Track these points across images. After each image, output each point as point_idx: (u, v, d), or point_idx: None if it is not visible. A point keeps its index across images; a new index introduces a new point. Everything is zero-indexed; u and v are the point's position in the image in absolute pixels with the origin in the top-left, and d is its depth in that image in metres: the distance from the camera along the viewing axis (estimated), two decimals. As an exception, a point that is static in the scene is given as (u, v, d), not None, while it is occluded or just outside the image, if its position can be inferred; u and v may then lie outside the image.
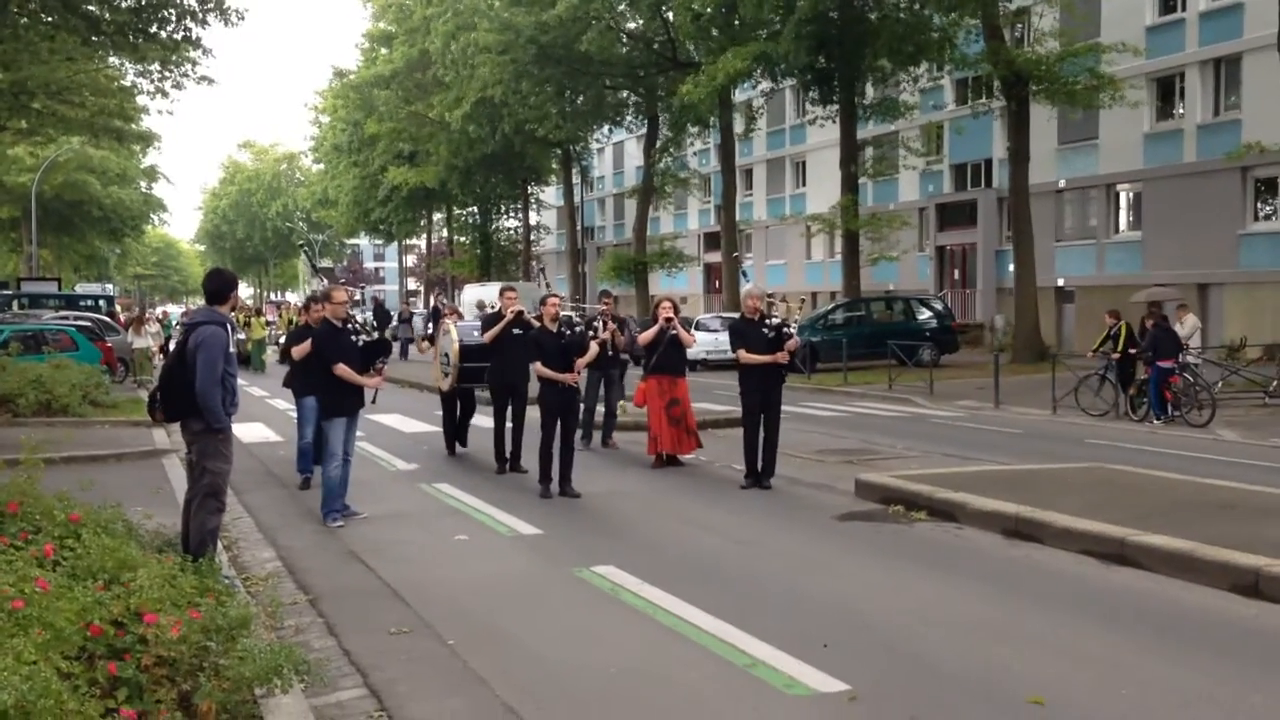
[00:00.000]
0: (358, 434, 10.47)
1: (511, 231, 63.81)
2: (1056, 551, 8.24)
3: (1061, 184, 35.51)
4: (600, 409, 14.83)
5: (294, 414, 12.62)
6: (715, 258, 49.78)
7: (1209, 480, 10.54)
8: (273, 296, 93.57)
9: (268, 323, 36.49)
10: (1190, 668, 5.68)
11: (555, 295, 11.94)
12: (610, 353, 14.51)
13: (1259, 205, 30.07)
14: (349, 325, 10.06)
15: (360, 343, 10.00)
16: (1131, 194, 34.13)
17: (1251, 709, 5.11)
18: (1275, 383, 19.37)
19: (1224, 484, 10.28)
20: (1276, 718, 5.00)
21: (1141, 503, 9.20)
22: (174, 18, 21.14)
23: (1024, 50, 30.96)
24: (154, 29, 21.20)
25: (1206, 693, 5.32)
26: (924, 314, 31.73)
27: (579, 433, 14.49)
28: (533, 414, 11.81)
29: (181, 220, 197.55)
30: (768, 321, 11.62)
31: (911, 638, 6.24)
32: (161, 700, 4.52)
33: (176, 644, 4.72)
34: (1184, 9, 31.67)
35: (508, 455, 12.70)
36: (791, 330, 11.73)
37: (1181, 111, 32.14)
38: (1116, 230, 34.68)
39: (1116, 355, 18.69)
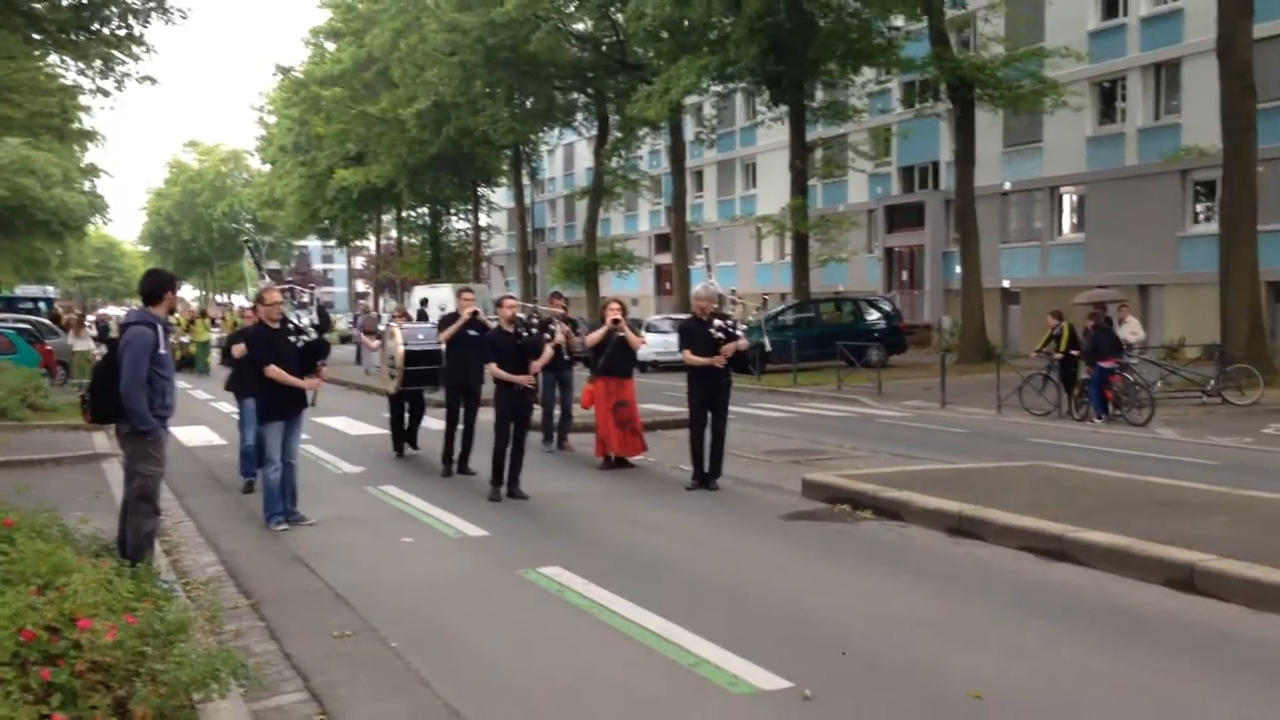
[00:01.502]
0: (302, 437, 10.35)
1: (461, 233, 63.53)
2: (998, 548, 8.35)
3: (1007, 186, 35.98)
4: (557, 411, 14.81)
5: (238, 416, 12.48)
6: (666, 259, 49.87)
7: (1147, 478, 10.71)
8: (218, 299, 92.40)
9: (212, 325, 36.04)
10: (1126, 661, 5.77)
11: (511, 297, 11.91)
12: (566, 355, 14.54)
13: (1197, 208, 30.65)
14: (286, 326, 9.93)
15: (300, 344, 9.87)
16: (1075, 197, 34.66)
17: (1184, 700, 5.21)
18: (1213, 382, 19.74)
19: (1161, 481, 10.46)
20: (1208, 708, 5.09)
21: (1081, 500, 9.34)
22: (116, 15, 20.83)
23: (969, 55, 31.36)
24: (95, 26, 20.88)
25: (1141, 685, 5.41)
26: (872, 315, 32.01)
27: (541, 436, 14.55)
28: (484, 416, 11.76)
29: (125, 221, 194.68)
30: (714, 323, 11.64)
31: (854, 635, 6.29)
32: (96, 706, 4.44)
33: (111, 649, 4.64)
34: (1126, 14, 32.23)
35: (456, 457, 12.64)
36: (738, 333, 11.75)
37: (1123, 115, 32.68)
38: (1060, 232, 35.20)
39: (1059, 356, 18.96)
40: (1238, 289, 21.65)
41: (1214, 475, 11.64)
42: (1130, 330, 19.41)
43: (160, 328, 7.25)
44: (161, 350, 7.19)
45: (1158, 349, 24.61)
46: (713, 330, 11.54)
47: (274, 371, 9.50)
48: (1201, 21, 26.46)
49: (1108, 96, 33.41)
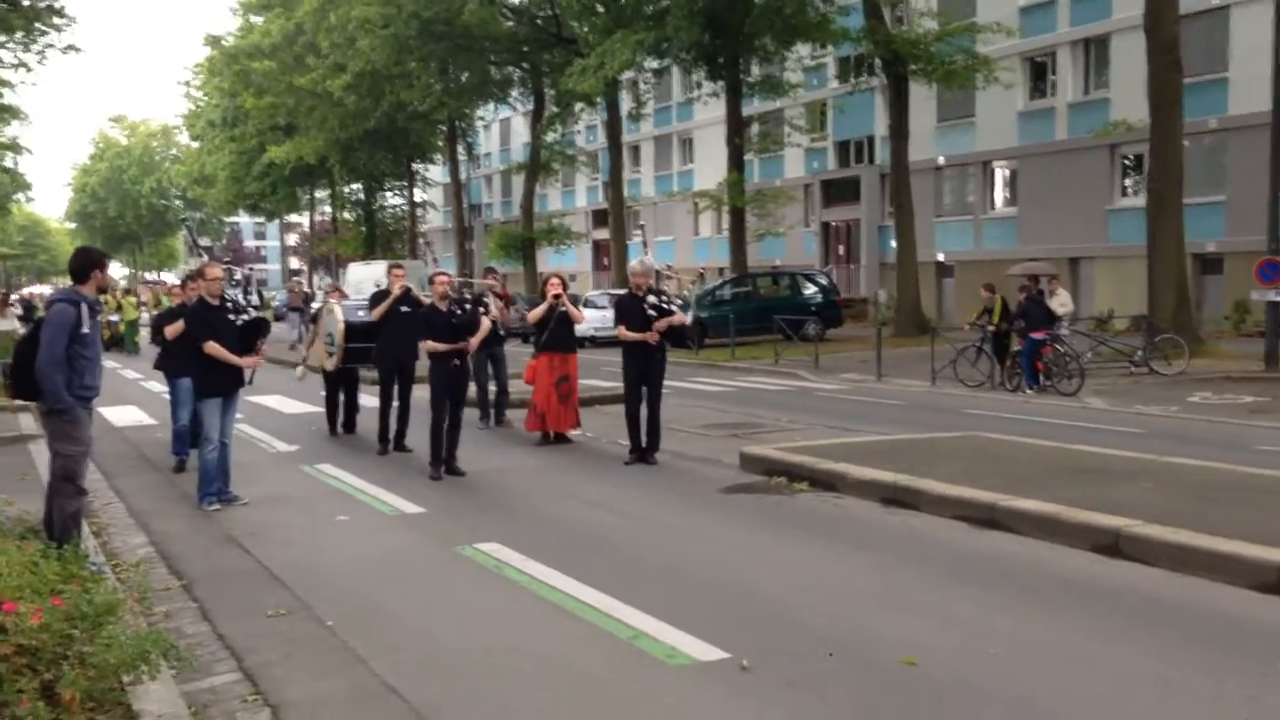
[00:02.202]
0: (236, 416, 10.20)
1: (396, 209, 62.85)
2: (931, 518, 8.46)
3: (941, 161, 36.35)
4: (492, 387, 14.75)
5: (168, 396, 12.26)
6: (603, 234, 49.76)
7: (1076, 446, 10.92)
8: (147, 276, 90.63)
9: (140, 304, 35.37)
10: (1055, 626, 5.89)
11: (444, 273, 11.81)
12: (500, 331, 14.51)
13: (1126, 182, 31.19)
14: (226, 304, 9.78)
15: (239, 322, 9.73)
16: (1007, 171, 35.12)
17: (1111, 662, 5.33)
18: (1140, 352, 20.15)
19: (1090, 450, 10.67)
20: (1134, 669, 5.21)
21: (1012, 469, 9.49)
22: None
23: (902, 30, 31.55)
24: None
25: (1069, 649, 5.52)
26: (809, 289, 32.22)
27: (479, 413, 14.48)
28: (420, 394, 11.68)
29: (50, 198, 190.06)
30: (648, 299, 11.62)
31: (791, 605, 6.35)
32: (23, 690, 4.36)
33: (37, 632, 4.56)
34: (1056, -10, 32.62)
35: (392, 435, 12.55)
36: (673, 308, 11.74)
37: (1053, 90, 33.12)
38: (993, 206, 35.66)
39: (992, 328, 19.24)
40: (1164, 261, 22.08)
41: (1141, 443, 11.90)
42: (1060, 302, 19.72)
43: (85, 306, 7.08)
44: (85, 329, 7.02)
45: (1087, 320, 25.06)
46: (647, 306, 11.53)
47: (213, 348, 9.35)
48: (1129, -3, 26.86)
49: (1038, 71, 33.84)
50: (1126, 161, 30.97)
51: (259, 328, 10.07)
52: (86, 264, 7.28)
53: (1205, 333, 24.06)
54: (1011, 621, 5.97)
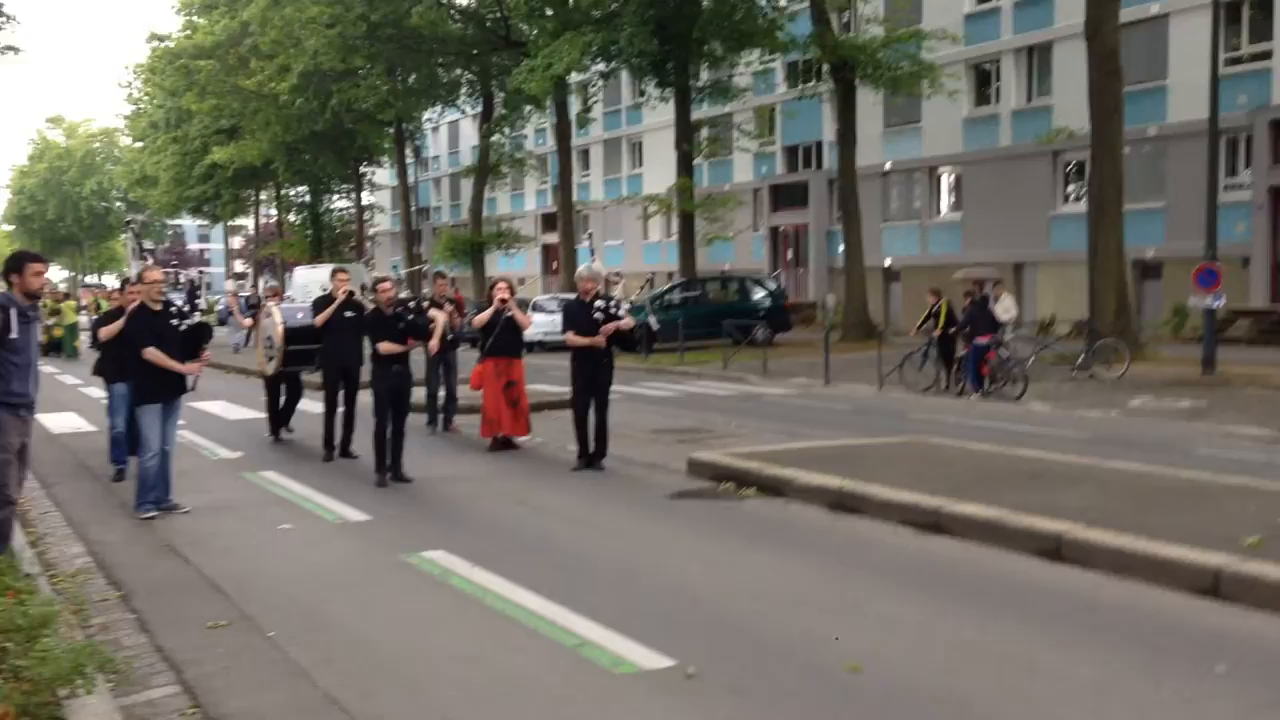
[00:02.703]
0: (179, 423, 10.04)
1: (344, 212, 62.29)
2: (877, 523, 8.52)
3: (887, 166, 36.67)
4: (442, 393, 14.65)
5: (107, 402, 12.05)
6: (553, 238, 49.66)
7: (1019, 451, 11.05)
8: (88, 280, 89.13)
9: (80, 307, 34.77)
10: (997, 630, 5.95)
11: (387, 279, 11.72)
12: (450, 335, 14.41)
13: (1068, 188, 31.66)
14: (170, 309, 9.61)
15: (183, 327, 9.56)
16: (952, 177, 35.50)
17: (1051, 665, 5.39)
18: (1082, 357, 20.45)
19: (1033, 454, 10.79)
20: (1073, 672, 5.28)
21: (957, 474, 9.58)
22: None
23: (850, 36, 31.81)
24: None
25: (1011, 652, 5.58)
26: (758, 294, 32.35)
27: (426, 418, 14.38)
28: (365, 399, 11.57)
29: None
30: (595, 304, 11.60)
31: (737, 612, 6.36)
32: (-47, 706, 4.27)
33: (-32, 647, 4.46)
34: (999, -2, 33.05)
35: (338, 441, 12.42)
36: (620, 313, 11.72)
37: (998, 97, 33.55)
38: (939, 212, 36.03)
39: (938, 333, 19.43)
40: (1105, 267, 22.41)
41: (1083, 447, 12.07)
42: (1004, 308, 19.96)
43: (15, 310, 6.90)
44: (13, 334, 6.84)
45: (1031, 325, 25.41)
46: (594, 311, 11.52)
47: (152, 354, 9.18)
48: (1071, 5, 27.26)
49: (983, 79, 34.26)
50: (1069, 168, 31.44)
51: (202, 333, 9.92)
52: (10, 265, 7.14)
53: (1145, 338, 24.46)
54: (955, 626, 6.03)
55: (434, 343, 11.14)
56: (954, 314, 19.37)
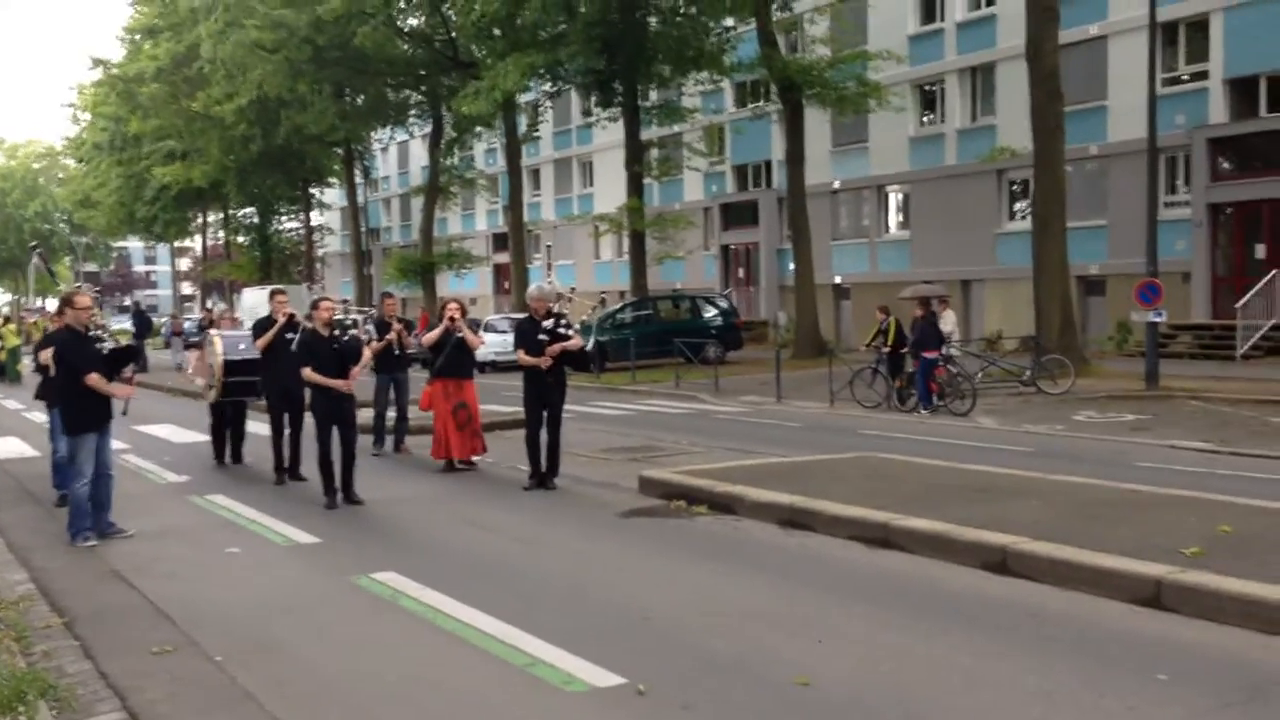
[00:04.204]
0: (114, 445, 9.88)
1: (293, 233, 61.80)
2: (827, 538, 8.58)
3: (836, 185, 37.01)
4: (391, 413, 14.55)
5: (49, 426, 11.86)
6: (504, 258, 49.55)
7: (967, 465, 11.18)
8: (31, 303, 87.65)
9: (21, 331, 34.22)
10: (943, 642, 6.01)
11: (328, 299, 11.64)
12: (397, 354, 14.32)
13: (1014, 206, 32.12)
14: (93, 333, 9.46)
15: (105, 351, 9.41)
16: (900, 195, 35.89)
17: (997, 676, 5.46)
18: (1028, 372, 20.72)
19: (980, 469, 10.93)
20: (1018, 682, 5.35)
21: (906, 489, 9.68)
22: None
23: (797, 57, 32.12)
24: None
25: (957, 664, 5.64)
26: (710, 312, 32.46)
27: (373, 439, 14.26)
28: (311, 422, 11.46)
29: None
30: (544, 324, 11.58)
31: (688, 629, 6.38)
32: (-113, 738, 4.19)
33: (-96, 677, 4.38)
34: (943, 19, 33.53)
35: (286, 465, 12.30)
36: (569, 332, 11.70)
37: (943, 116, 34.00)
38: (887, 230, 36.40)
39: (887, 349, 19.61)
40: (1049, 283, 22.75)
41: (1029, 461, 12.23)
42: (945, 324, 20.18)
43: None
44: None
45: (978, 341, 25.70)
46: (543, 331, 11.50)
47: (95, 380, 9.05)
48: (1013, 27, 27.70)
49: (928, 98, 34.72)
50: (1014, 186, 31.90)
51: (128, 355, 9.78)
52: None
53: (1090, 352, 24.84)
54: (902, 639, 6.09)
55: (355, 370, 10.97)
56: (903, 331, 19.55)
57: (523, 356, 11.54)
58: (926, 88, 34.54)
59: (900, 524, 8.22)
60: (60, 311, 10.14)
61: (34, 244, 63.37)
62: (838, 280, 36.60)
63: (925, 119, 34.84)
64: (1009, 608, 6.62)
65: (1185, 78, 27.78)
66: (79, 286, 11.52)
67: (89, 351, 9.18)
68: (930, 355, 18.48)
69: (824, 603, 6.87)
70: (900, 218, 36.06)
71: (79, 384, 9.06)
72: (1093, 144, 29.01)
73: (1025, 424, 16.60)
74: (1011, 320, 29.10)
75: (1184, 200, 27.73)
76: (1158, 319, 19.94)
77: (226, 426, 13.77)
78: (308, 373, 10.71)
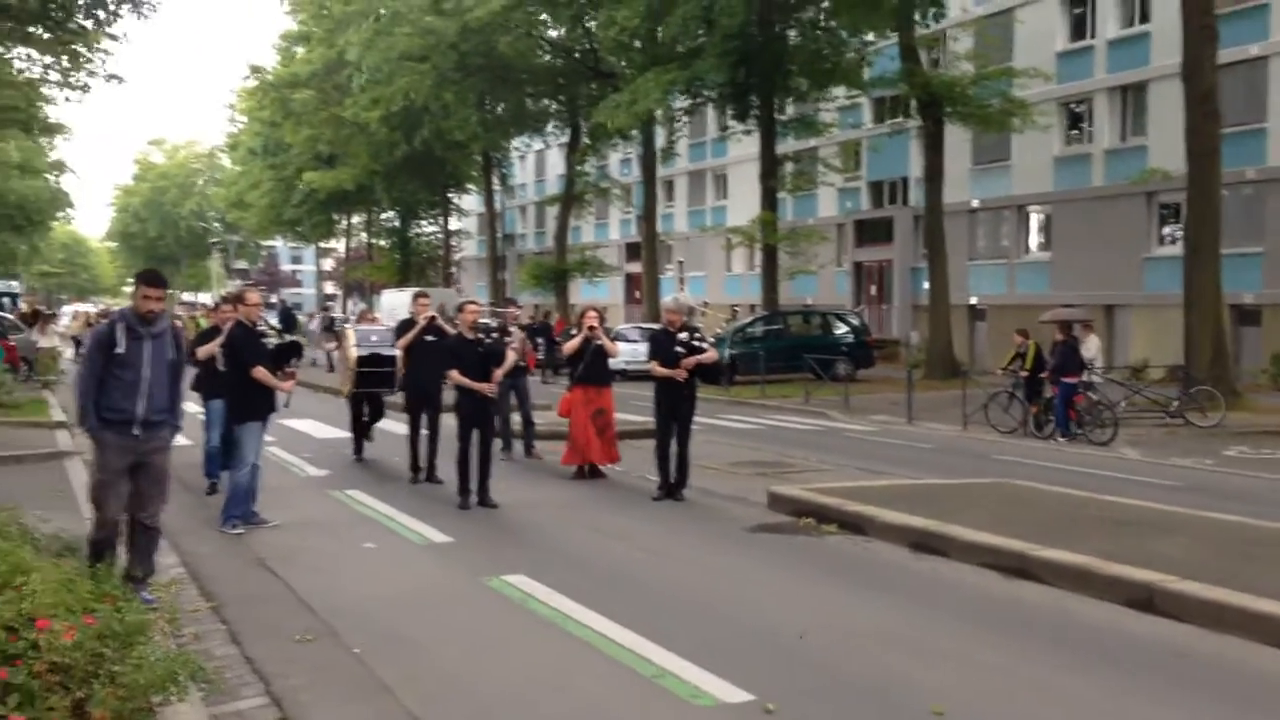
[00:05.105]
0: (267, 439, 10.29)
1: (431, 237, 63.29)
2: (960, 565, 8.40)
3: (975, 204, 36.26)
4: (516, 418, 14.77)
5: (203, 417, 12.37)
6: (636, 268, 49.88)
7: (1109, 497, 10.81)
8: (184, 297, 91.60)
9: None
10: (1083, 679, 5.83)
11: (473, 302, 11.88)
12: (521, 362, 14.50)
13: (1163, 230, 31.01)
14: (258, 327, 9.90)
15: (272, 346, 9.85)
16: (1042, 215, 34.99)
17: (1137, 713, 5.27)
18: (1176, 403, 19.95)
19: (1123, 501, 10.56)
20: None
21: (1043, 518, 9.41)
22: (84, 8, 20.63)
23: (939, 73, 31.61)
24: (62, 17, 20.66)
25: (1096, 703, 5.46)
26: (841, 329, 32.13)
27: (499, 443, 14.49)
28: (449, 423, 11.72)
29: (92, 217, 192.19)
30: (679, 336, 11.61)
31: (817, 648, 6.32)
32: (54, 708, 4.40)
33: (70, 650, 4.60)
34: (1093, 36, 32.60)
35: (422, 465, 12.57)
36: (704, 345, 11.72)
37: (1090, 136, 33.04)
38: (1027, 251, 35.50)
39: (1025, 373, 19.11)
40: (1201, 311, 21.90)
41: (1175, 496, 11.78)
42: (1087, 349, 19.57)
43: (123, 325, 7.00)
44: (119, 349, 6.92)
45: (1121, 369, 24.84)
46: (678, 343, 11.53)
47: (261, 373, 9.47)
48: (1168, 45, 26.80)
49: (1075, 117, 33.78)
50: (1164, 210, 30.80)
51: (291, 350, 10.15)
52: (135, 282, 7.35)
53: (1242, 385, 23.78)
54: (1039, 673, 5.92)
55: (498, 373, 11.19)
56: (1042, 355, 19.02)
57: (657, 368, 11.60)
58: (1074, 106, 33.62)
59: (1038, 554, 7.99)
60: (234, 307, 10.56)
61: (216, 240, 66.00)
62: (973, 301, 35.84)
63: (1071, 138, 33.89)
64: (1153, 647, 6.39)
65: (1354, 100, 26.49)
66: (249, 284, 12.03)
67: (258, 346, 9.60)
68: (1070, 380, 17.94)
69: (957, 630, 6.73)
70: (1041, 239, 35.14)
71: (247, 376, 9.46)
72: (1250, 168, 27.83)
73: (1172, 457, 15.99)
74: (1158, 348, 28.06)
75: (1349, 228, 26.41)
76: (1317, 352, 19.01)
77: (363, 420, 14.18)
78: (454, 375, 10.95)
